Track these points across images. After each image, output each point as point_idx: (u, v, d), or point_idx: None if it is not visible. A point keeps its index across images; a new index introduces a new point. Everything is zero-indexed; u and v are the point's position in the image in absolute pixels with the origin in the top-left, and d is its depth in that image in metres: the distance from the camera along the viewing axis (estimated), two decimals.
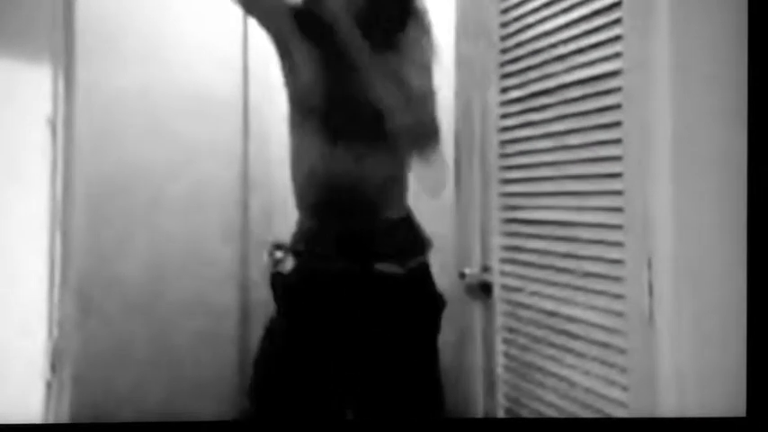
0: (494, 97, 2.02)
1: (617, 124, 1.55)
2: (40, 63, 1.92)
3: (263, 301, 2.13)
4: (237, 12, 2.32)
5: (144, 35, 2.90)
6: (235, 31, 2.96)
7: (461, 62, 2.19)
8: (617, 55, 1.55)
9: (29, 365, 1.96)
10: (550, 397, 1.78)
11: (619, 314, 1.55)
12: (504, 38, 1.98)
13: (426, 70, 1.93)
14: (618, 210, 1.55)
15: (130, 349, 2.86)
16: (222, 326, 2.97)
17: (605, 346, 1.60)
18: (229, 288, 2.98)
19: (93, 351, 2.75)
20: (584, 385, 1.66)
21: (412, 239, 1.97)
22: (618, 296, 1.56)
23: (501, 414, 1.99)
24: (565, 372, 1.74)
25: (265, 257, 2.00)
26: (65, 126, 1.94)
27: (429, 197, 1.98)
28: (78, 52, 2.00)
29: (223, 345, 2.97)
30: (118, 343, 2.84)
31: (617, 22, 1.55)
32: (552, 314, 1.79)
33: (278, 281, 1.98)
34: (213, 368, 2.94)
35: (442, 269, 2.04)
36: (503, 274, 2.00)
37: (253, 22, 2.13)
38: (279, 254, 1.96)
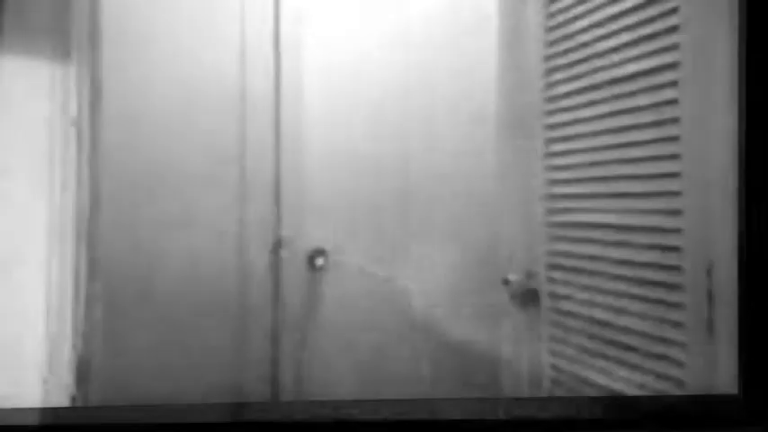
0: (539, 94, 1.98)
1: (674, 120, 1.50)
2: (65, 62, 1.91)
3: None
4: (270, 10, 2.32)
5: (174, 33, 2.89)
6: (267, 31, 2.96)
7: (504, 65, 2.15)
8: (674, 46, 1.49)
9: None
10: None
11: (677, 324, 1.50)
12: (549, 29, 1.94)
13: None
14: (676, 212, 1.51)
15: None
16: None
17: (661, 358, 1.55)
18: (264, 296, 2.96)
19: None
20: None
21: None
22: (675, 305, 1.50)
23: None
24: (617, 386, 1.68)
25: None
26: (90, 127, 1.93)
27: None
28: (104, 51, 1.99)
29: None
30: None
31: (674, 11, 1.49)
32: (604, 324, 1.73)
33: None
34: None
35: (481, 271, 1.99)
36: (550, 281, 1.95)
37: (285, 20, 2.09)
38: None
